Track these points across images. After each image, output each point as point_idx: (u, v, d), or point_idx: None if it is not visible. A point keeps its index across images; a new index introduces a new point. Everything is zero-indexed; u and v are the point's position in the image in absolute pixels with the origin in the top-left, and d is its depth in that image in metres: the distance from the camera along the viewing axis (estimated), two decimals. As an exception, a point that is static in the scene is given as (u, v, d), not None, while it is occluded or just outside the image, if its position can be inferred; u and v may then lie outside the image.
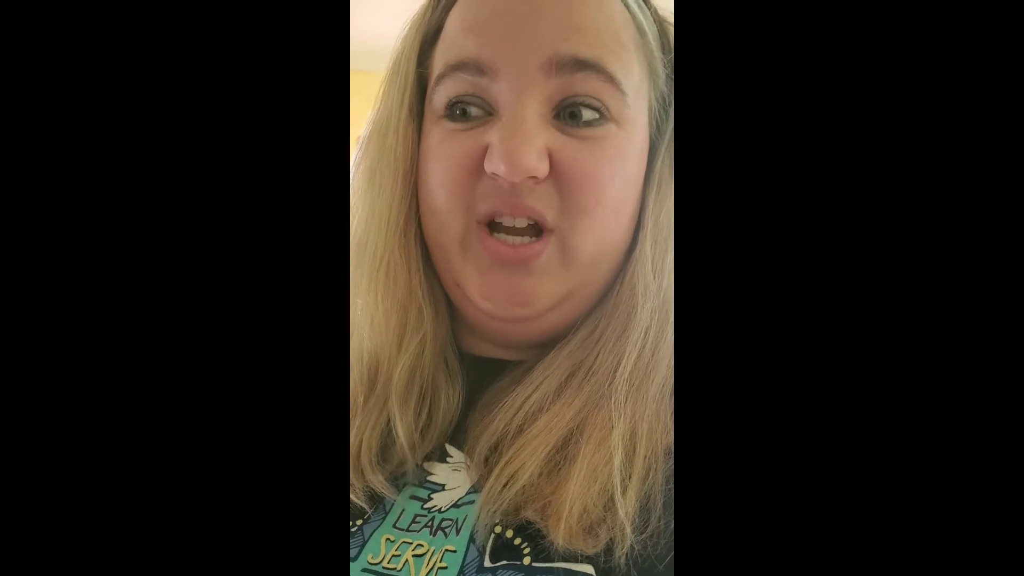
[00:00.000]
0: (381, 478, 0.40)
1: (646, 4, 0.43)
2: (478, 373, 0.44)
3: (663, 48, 0.43)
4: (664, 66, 0.43)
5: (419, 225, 0.44)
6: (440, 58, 0.42)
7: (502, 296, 0.40)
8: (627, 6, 0.42)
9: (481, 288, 0.40)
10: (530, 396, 0.39)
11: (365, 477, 0.40)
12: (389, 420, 0.42)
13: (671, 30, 0.44)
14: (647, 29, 0.42)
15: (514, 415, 0.39)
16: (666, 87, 0.44)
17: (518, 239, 0.40)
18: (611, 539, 0.33)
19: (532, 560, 0.34)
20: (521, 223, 0.40)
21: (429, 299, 0.43)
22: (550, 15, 0.39)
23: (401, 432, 0.40)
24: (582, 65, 0.38)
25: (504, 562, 0.34)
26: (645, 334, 0.39)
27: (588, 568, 0.33)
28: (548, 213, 0.39)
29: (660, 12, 0.44)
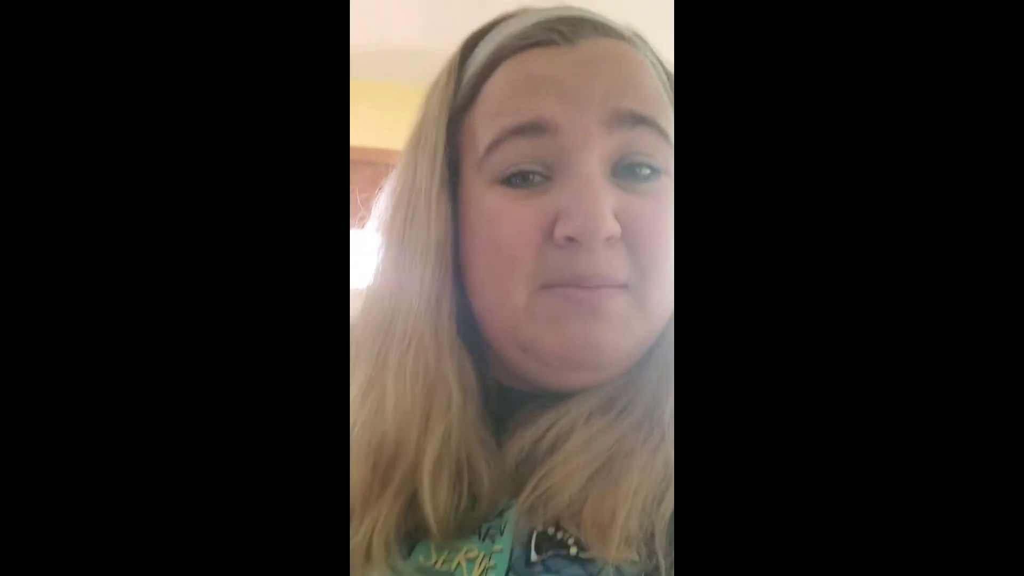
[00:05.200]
0: (401, 564, 0.39)
1: (657, 58, 0.46)
2: (509, 403, 0.44)
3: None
4: None
5: (457, 299, 0.43)
6: (489, 124, 0.41)
7: (578, 343, 0.39)
8: (651, 63, 0.44)
9: (555, 342, 0.40)
10: (563, 418, 0.40)
11: (391, 567, 0.39)
12: (412, 508, 0.41)
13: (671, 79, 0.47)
14: (666, 81, 0.45)
15: (546, 434, 0.40)
16: None
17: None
18: (655, 562, 0.34)
19: (578, 551, 0.36)
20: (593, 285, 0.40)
21: (458, 381, 0.42)
22: (604, 74, 0.40)
23: (432, 517, 0.39)
24: (639, 120, 0.40)
25: (551, 553, 0.37)
26: None
27: (633, 555, 0.35)
28: (622, 276, 0.40)
29: (668, 67, 0.47)
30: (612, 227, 0.38)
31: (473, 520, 0.41)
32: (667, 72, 0.46)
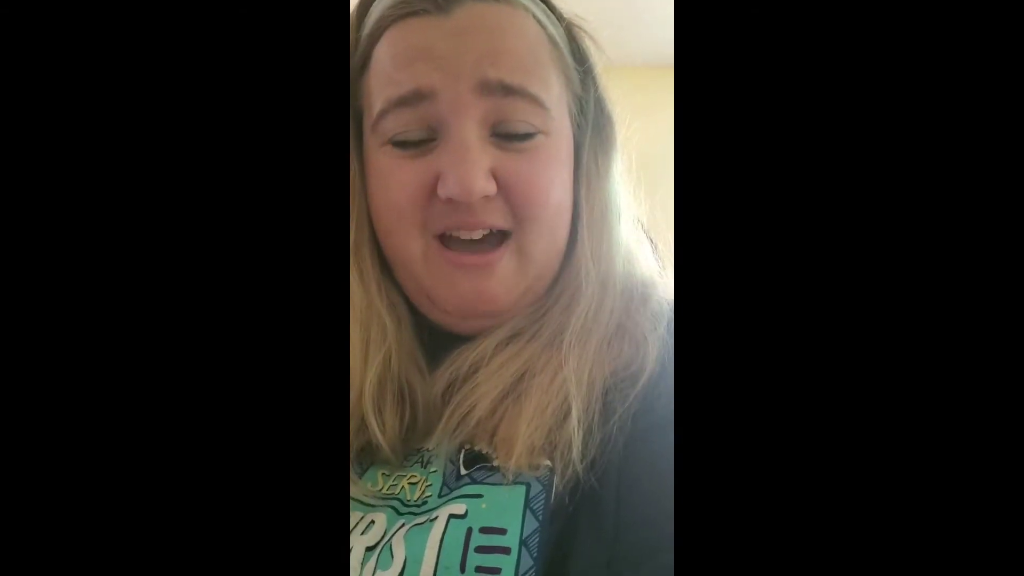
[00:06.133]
0: (360, 483, 0.44)
1: (553, 13, 0.49)
2: (442, 342, 0.49)
3: (572, 53, 0.49)
4: (575, 70, 0.49)
5: (374, 243, 0.48)
6: (378, 93, 0.45)
7: (471, 299, 0.45)
8: (538, 21, 0.47)
9: (450, 297, 0.46)
10: (475, 349, 0.46)
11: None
12: (362, 430, 0.44)
13: (579, 33, 0.50)
14: (558, 39, 0.48)
15: (462, 364, 0.46)
16: (580, 89, 0.50)
17: (476, 246, 0.45)
18: (555, 464, 0.40)
19: (500, 463, 0.41)
20: (478, 235, 0.45)
21: (390, 313, 0.47)
22: (475, 44, 0.44)
23: (382, 439, 0.44)
24: (509, 90, 0.44)
25: (477, 467, 0.42)
26: (588, 307, 0.46)
27: (546, 462, 0.40)
28: (502, 223, 0.45)
29: (566, 16, 0.49)
30: (486, 187, 0.43)
31: (415, 441, 0.46)
32: (560, 24, 0.48)
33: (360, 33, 0.48)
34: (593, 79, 0.50)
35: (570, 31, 0.49)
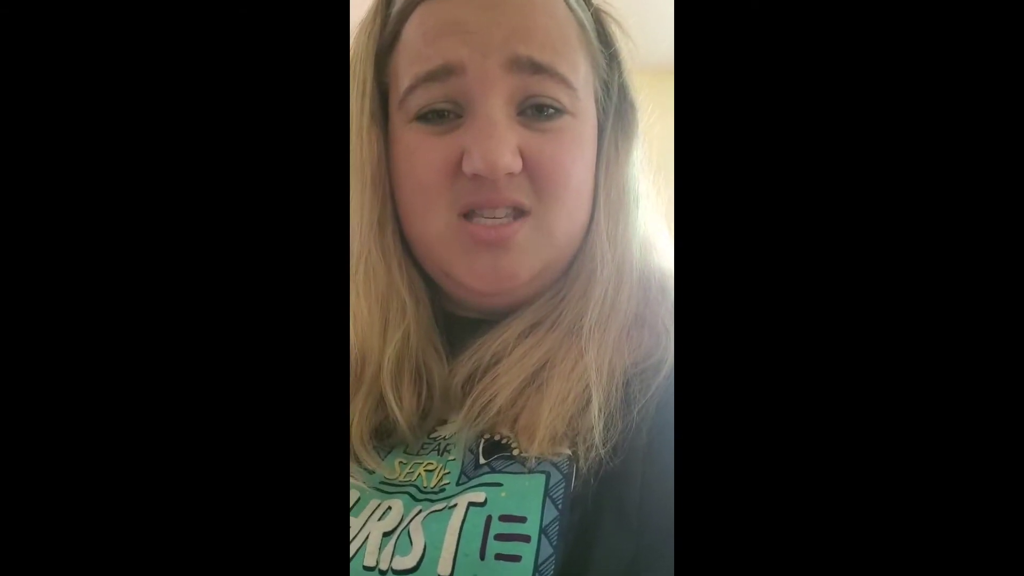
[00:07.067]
0: (379, 459, 0.44)
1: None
2: (461, 331, 0.49)
3: (600, 38, 0.49)
4: (602, 55, 0.49)
5: (397, 222, 0.48)
6: (407, 69, 0.45)
7: (489, 274, 0.45)
8: (567, 2, 0.47)
9: (470, 271, 0.45)
10: (498, 339, 0.46)
11: (361, 462, 0.44)
12: (380, 406, 0.45)
13: (606, 19, 0.50)
14: (586, 23, 0.48)
15: (484, 354, 0.46)
16: (606, 74, 0.50)
17: (496, 222, 0.45)
18: (576, 452, 0.40)
19: (519, 452, 0.41)
20: (500, 213, 0.45)
21: (410, 292, 0.47)
22: (506, 20, 0.44)
23: (399, 415, 0.45)
24: (538, 68, 0.44)
25: (496, 456, 0.42)
26: (605, 292, 0.46)
27: (562, 449, 0.40)
28: (525, 201, 0.45)
29: (595, 2, 0.49)
30: (511, 164, 0.43)
31: (431, 423, 0.46)
32: (588, 8, 0.48)
33: (389, 11, 0.47)
34: (618, 64, 0.50)
35: (597, 16, 0.49)
